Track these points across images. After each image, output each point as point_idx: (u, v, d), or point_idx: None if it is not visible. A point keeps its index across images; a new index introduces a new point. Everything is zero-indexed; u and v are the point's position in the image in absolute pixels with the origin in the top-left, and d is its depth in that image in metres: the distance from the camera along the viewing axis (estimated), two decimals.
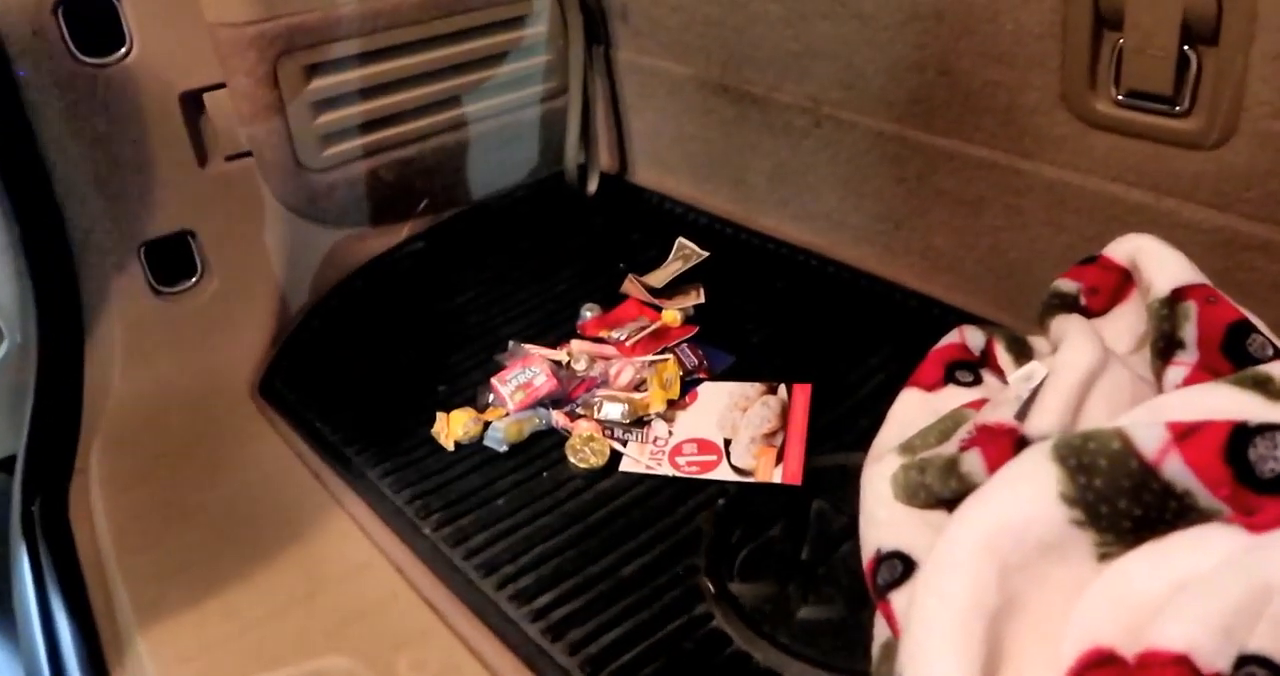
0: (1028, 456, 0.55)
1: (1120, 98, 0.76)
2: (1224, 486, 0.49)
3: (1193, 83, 0.71)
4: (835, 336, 0.95)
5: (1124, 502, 0.51)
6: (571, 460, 0.82)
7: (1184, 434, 0.50)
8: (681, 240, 1.07)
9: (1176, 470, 0.50)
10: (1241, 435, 0.48)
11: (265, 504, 0.81)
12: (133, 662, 0.68)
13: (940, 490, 0.64)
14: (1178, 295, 0.68)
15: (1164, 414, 0.57)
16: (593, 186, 1.28)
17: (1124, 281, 0.74)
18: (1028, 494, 0.52)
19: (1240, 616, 0.44)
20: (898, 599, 0.59)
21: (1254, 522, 0.47)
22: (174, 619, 0.71)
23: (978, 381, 0.79)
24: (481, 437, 0.85)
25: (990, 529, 0.52)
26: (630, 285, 1.03)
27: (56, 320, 0.92)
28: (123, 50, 0.91)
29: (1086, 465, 0.51)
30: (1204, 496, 0.49)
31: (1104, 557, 0.52)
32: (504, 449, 0.84)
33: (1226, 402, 0.56)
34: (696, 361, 0.92)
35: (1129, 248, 0.73)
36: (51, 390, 0.91)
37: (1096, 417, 0.63)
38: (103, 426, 0.92)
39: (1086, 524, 0.51)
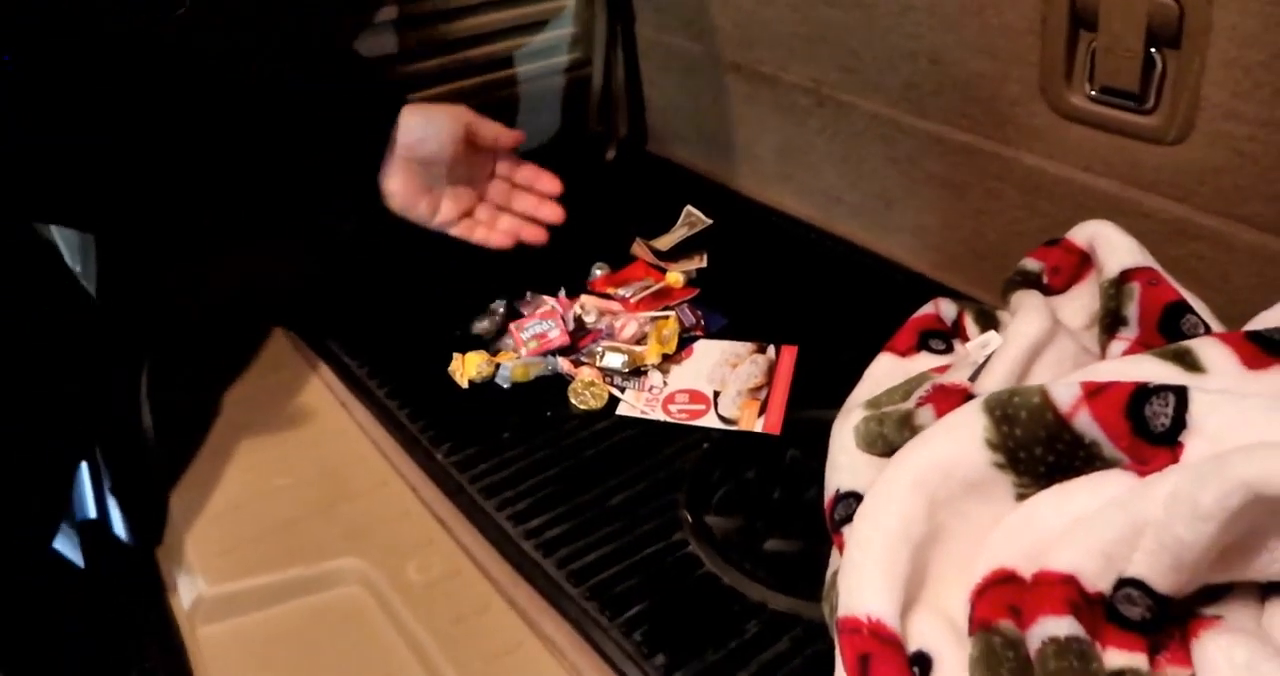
0: (963, 408, 0.62)
1: (1093, 93, 0.82)
2: (1123, 438, 0.56)
3: (1158, 82, 0.77)
4: (826, 304, 1.02)
5: (1040, 450, 0.58)
6: (572, 402, 0.90)
7: (1094, 392, 0.57)
8: (689, 208, 1.14)
9: (1085, 423, 0.57)
10: (1141, 394, 0.56)
11: (294, 426, 0.90)
12: (175, 554, 0.78)
13: (895, 440, 0.71)
14: (1125, 277, 0.75)
15: (1092, 378, 0.64)
16: (610, 154, 1.35)
17: (1083, 263, 0.81)
18: (957, 439, 0.60)
19: (1119, 546, 0.52)
20: (849, 532, 0.67)
21: (1144, 470, 0.55)
22: (210, 521, 0.80)
23: (949, 350, 0.86)
24: (493, 377, 0.94)
25: (922, 467, 0.60)
26: (639, 247, 1.11)
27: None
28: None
29: (1010, 416, 0.59)
30: (1108, 447, 0.57)
31: (1021, 497, 0.60)
32: (507, 385, 0.93)
33: (1148, 371, 0.64)
34: (694, 320, 1.00)
35: (1089, 232, 0.80)
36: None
37: (1041, 382, 0.70)
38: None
39: (1007, 467, 0.59)
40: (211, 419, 0.92)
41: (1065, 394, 0.58)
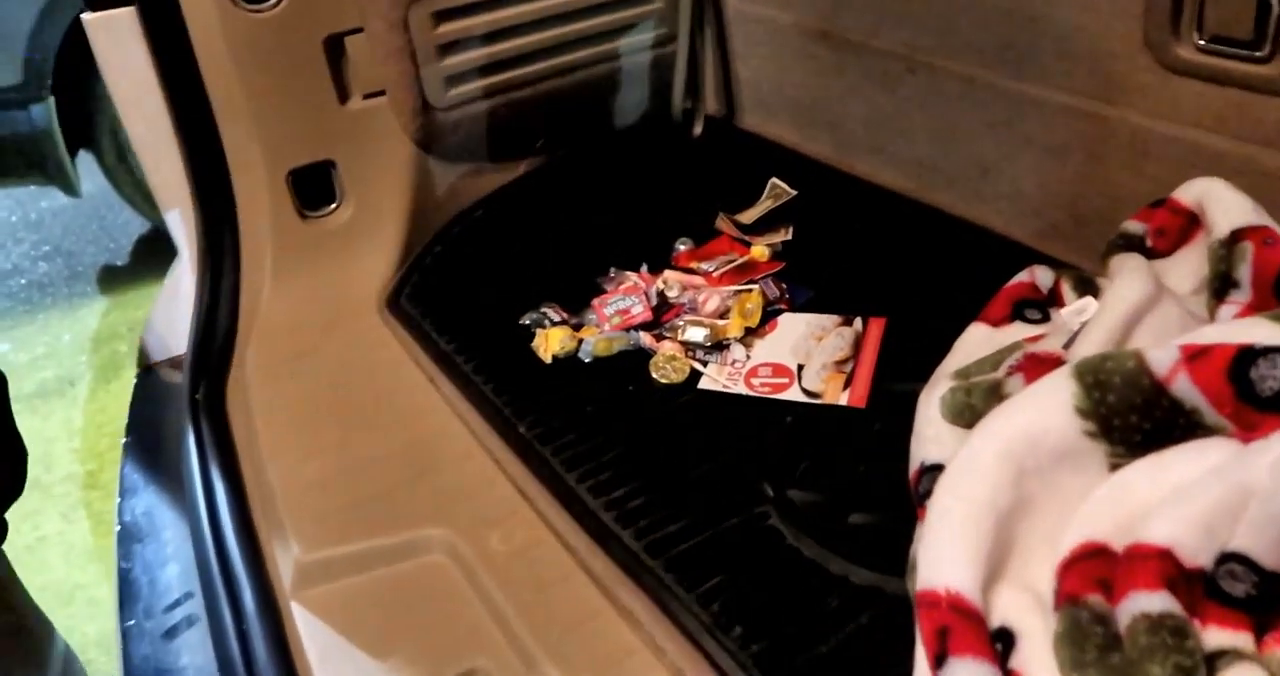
0: (1052, 375, 0.59)
1: (1202, 43, 0.77)
2: (1227, 404, 0.53)
3: (1274, 28, 0.72)
4: (917, 276, 0.99)
5: (1135, 417, 0.55)
6: (654, 376, 0.90)
7: (1194, 355, 0.54)
8: (774, 180, 1.12)
9: (1184, 388, 0.54)
10: (1246, 356, 0.52)
11: (385, 401, 0.93)
12: (275, 522, 0.81)
13: (984, 410, 0.68)
14: (1237, 236, 0.70)
15: (1194, 342, 0.60)
16: (698, 129, 1.34)
17: (1190, 224, 0.76)
18: (1046, 407, 0.57)
19: (1221, 517, 0.49)
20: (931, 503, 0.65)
21: (1250, 437, 0.51)
22: (308, 491, 0.83)
23: (1045, 319, 0.82)
24: (576, 352, 0.94)
25: (1009, 436, 0.57)
26: (722, 222, 1.10)
27: (218, 238, 1.05)
28: (273, 0, 1.02)
29: (1103, 382, 0.56)
30: (1210, 413, 0.53)
31: (1115, 467, 0.57)
32: (589, 360, 0.93)
33: (1259, 334, 0.59)
34: (778, 293, 0.98)
35: (1197, 191, 0.75)
36: (213, 299, 1.04)
37: None
38: (255, 331, 1.05)
39: (1099, 435, 0.56)
40: (309, 394, 0.95)
41: (1163, 357, 0.55)
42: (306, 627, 0.71)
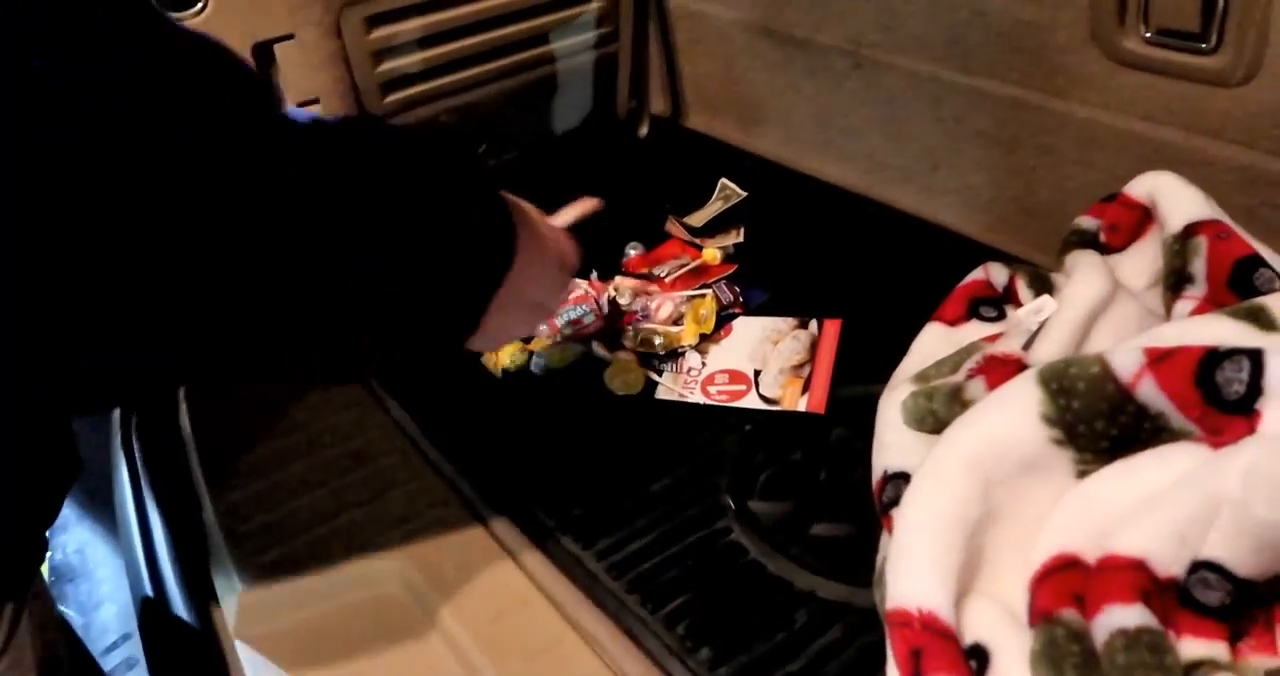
0: (1016, 381, 0.58)
1: (1149, 35, 0.77)
2: (1194, 408, 0.52)
3: (1219, 19, 0.72)
4: (871, 275, 0.98)
5: (1101, 423, 0.54)
6: (609, 386, 0.88)
7: (1159, 358, 0.53)
8: (724, 181, 1.11)
9: (1150, 393, 0.53)
10: (1211, 359, 0.51)
11: (327, 420, 0.89)
12: (216, 556, 0.77)
13: (945, 416, 0.67)
14: (1190, 231, 0.69)
15: (1156, 342, 0.59)
16: (643, 130, 1.31)
17: (1144, 218, 0.76)
18: (1012, 415, 0.56)
19: (1193, 526, 0.48)
20: (897, 515, 0.63)
21: (1218, 441, 0.50)
22: (248, 521, 0.79)
23: (1000, 317, 0.82)
24: (527, 365, 0.92)
25: (975, 446, 0.56)
26: (672, 225, 1.08)
27: None
28: (199, 5, 0.97)
29: (1067, 388, 0.55)
30: (1176, 417, 0.53)
31: (1082, 474, 0.55)
32: (541, 372, 0.90)
33: (1218, 332, 0.59)
34: (732, 297, 0.96)
35: (1149, 185, 0.74)
36: None
37: (1101, 348, 0.65)
38: None
39: (1066, 442, 0.55)
40: (246, 416, 0.91)
41: (1127, 362, 0.53)
42: (253, 669, 0.68)
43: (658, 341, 0.90)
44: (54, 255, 0.37)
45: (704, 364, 0.89)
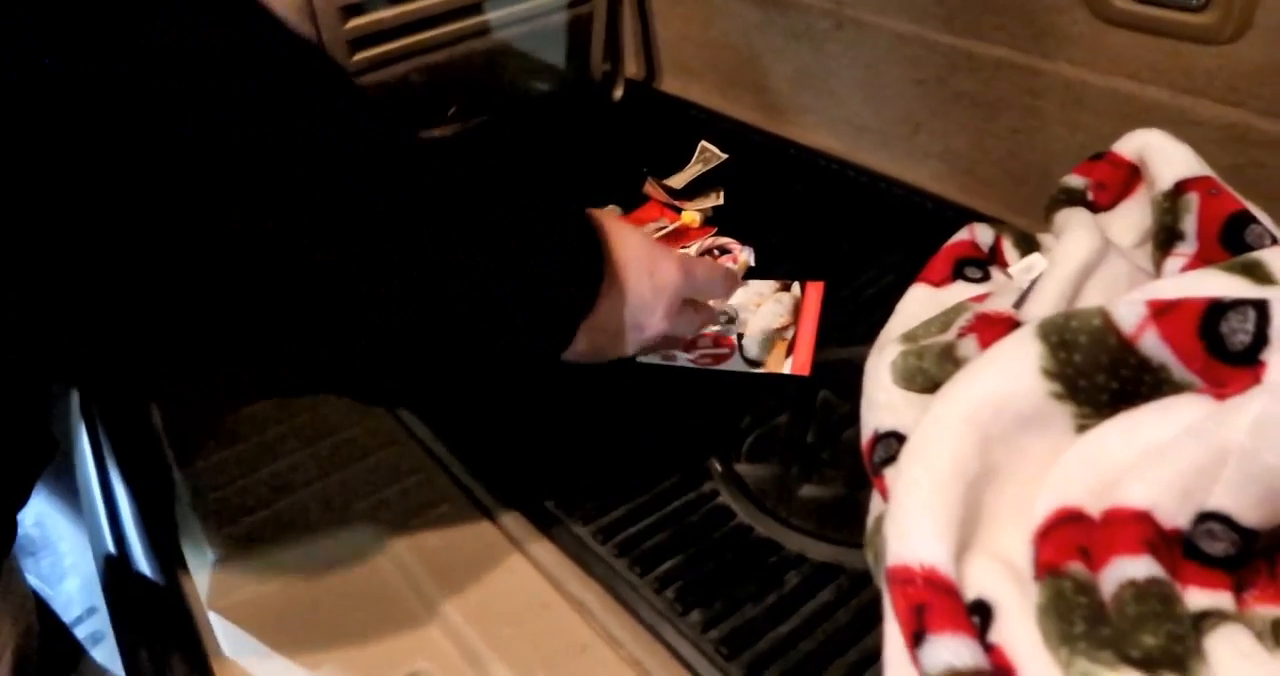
0: (1014, 336, 0.57)
1: None
2: (1197, 359, 0.51)
3: None
4: (852, 238, 0.97)
5: (1102, 377, 0.53)
6: None
7: (1161, 310, 0.52)
8: (703, 143, 1.09)
9: (1152, 345, 0.52)
10: (1215, 310, 0.50)
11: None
12: (186, 525, 0.74)
13: (937, 374, 0.66)
14: (1180, 188, 0.69)
15: (1151, 296, 0.59)
16: (618, 93, 1.29)
17: (1132, 176, 0.75)
18: (1010, 369, 0.55)
19: (1198, 477, 0.47)
20: (891, 474, 0.62)
21: (1222, 393, 0.50)
22: (218, 488, 0.76)
23: (986, 277, 0.81)
24: None
25: (973, 402, 0.55)
26: (651, 187, 1.06)
27: None
28: None
29: (1068, 341, 0.54)
30: (1178, 369, 0.52)
31: (1082, 429, 0.55)
32: None
33: (1215, 286, 0.58)
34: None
35: (1137, 143, 0.74)
36: None
37: (1093, 305, 0.65)
38: None
39: (1066, 397, 0.54)
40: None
41: (1129, 314, 0.53)
42: (229, 641, 0.65)
43: None
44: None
45: None
